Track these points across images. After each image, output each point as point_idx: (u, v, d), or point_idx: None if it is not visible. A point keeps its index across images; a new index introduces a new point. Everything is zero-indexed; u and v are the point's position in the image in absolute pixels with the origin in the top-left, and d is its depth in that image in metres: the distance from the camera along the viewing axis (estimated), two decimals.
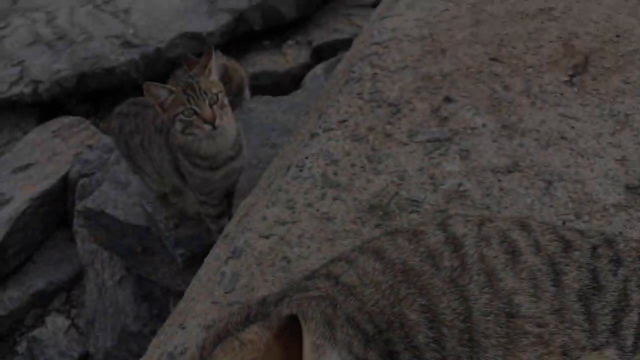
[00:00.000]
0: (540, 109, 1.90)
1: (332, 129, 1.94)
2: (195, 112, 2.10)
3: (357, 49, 2.41)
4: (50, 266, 4.41)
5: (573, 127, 1.82)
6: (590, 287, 1.12)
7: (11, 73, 5.23)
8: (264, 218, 1.72)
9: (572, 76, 1.98)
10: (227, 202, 2.79)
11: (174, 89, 2.12)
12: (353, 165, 1.82)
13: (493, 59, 2.09)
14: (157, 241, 3.37)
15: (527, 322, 1.09)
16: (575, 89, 1.93)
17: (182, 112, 2.10)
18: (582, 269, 1.14)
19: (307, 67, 5.19)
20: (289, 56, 5.45)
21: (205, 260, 1.90)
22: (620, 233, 1.47)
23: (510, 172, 1.73)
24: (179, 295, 3.53)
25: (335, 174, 1.81)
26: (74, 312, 4.32)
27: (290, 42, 5.58)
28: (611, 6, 2.21)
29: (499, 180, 1.71)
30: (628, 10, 2.19)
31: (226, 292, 1.54)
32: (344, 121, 1.96)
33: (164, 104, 2.14)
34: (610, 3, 2.23)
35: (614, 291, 1.11)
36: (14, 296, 4.25)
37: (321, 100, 2.28)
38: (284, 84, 5.20)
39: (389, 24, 2.29)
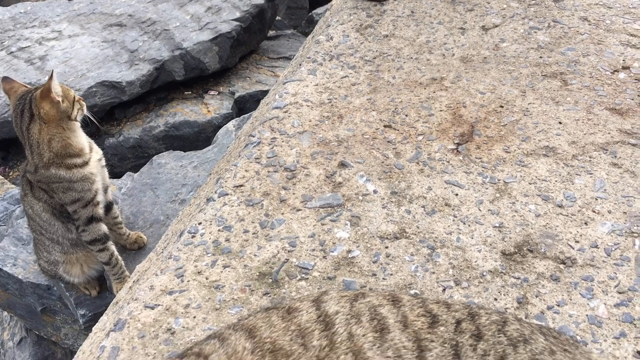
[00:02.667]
0: (428, 176, 1.98)
1: (227, 194, 1.95)
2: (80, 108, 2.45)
3: (260, 111, 2.45)
4: None
5: (457, 195, 1.91)
6: None
7: None
8: (152, 287, 1.69)
9: (458, 144, 2.08)
10: (111, 217, 2.86)
11: (66, 90, 2.40)
12: (246, 231, 1.83)
13: (387, 126, 2.17)
14: (58, 300, 3.23)
15: None
16: (461, 157, 2.03)
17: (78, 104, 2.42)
18: (445, 345, 1.18)
19: (229, 117, 5.23)
20: (211, 106, 5.47)
21: (93, 329, 1.83)
22: (483, 307, 1.53)
23: (397, 238, 1.78)
24: None
25: (227, 240, 1.81)
26: None
27: (212, 92, 5.61)
28: (496, 77, 2.36)
29: (386, 247, 1.76)
30: (511, 82, 2.34)
31: None
32: (240, 186, 1.97)
33: (58, 106, 2.37)
34: (495, 75, 2.38)
35: None
36: None
37: (222, 162, 2.29)
38: (205, 134, 5.20)
39: (291, 89, 2.35)
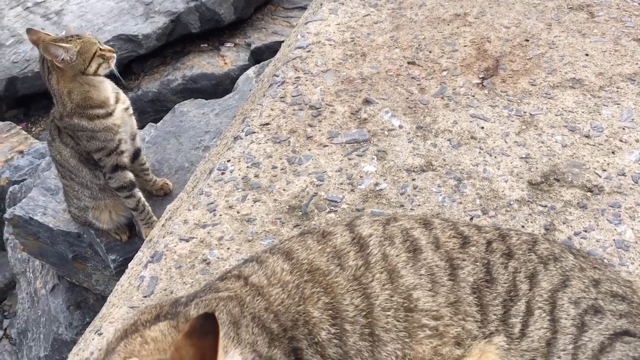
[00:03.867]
0: (453, 110, 1.98)
1: (254, 132, 1.97)
2: (102, 55, 2.43)
3: (283, 52, 2.45)
4: None
5: (483, 128, 1.91)
6: (483, 279, 1.19)
7: None
8: (185, 221, 1.73)
9: (483, 79, 2.07)
10: (138, 164, 2.90)
11: (74, 40, 2.38)
12: (274, 167, 1.86)
13: (411, 63, 2.17)
14: (89, 247, 3.31)
15: (424, 316, 1.15)
16: (486, 91, 2.02)
17: (101, 56, 2.42)
18: (477, 263, 1.21)
19: (246, 69, 5.20)
20: (227, 58, 5.45)
21: (129, 265, 1.89)
22: (513, 229, 1.56)
23: (423, 171, 1.80)
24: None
25: (256, 176, 1.84)
26: (5, 322, 4.19)
27: (228, 44, 5.58)
28: (521, 12, 2.33)
29: (413, 180, 1.78)
30: (537, 16, 2.31)
31: (144, 297, 1.55)
32: (266, 124, 1.99)
33: (71, 55, 2.37)
34: (520, 9, 2.34)
35: (505, 283, 1.18)
36: None
37: (246, 103, 2.31)
38: (222, 86, 5.19)
39: (313, 29, 2.34)
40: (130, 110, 2.74)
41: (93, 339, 1.50)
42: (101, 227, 3.06)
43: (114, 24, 5.30)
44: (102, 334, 1.49)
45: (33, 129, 5.44)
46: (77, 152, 2.72)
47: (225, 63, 5.48)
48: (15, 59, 5.13)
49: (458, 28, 2.28)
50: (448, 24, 2.31)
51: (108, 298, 1.79)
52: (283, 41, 5.60)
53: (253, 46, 5.58)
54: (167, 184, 3.08)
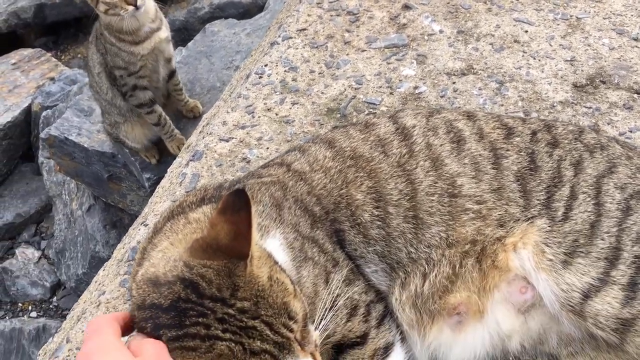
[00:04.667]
0: (496, 14, 1.93)
1: (291, 37, 1.94)
2: None
3: None
4: (17, 199, 4.39)
5: (526, 31, 1.86)
6: (527, 168, 1.18)
7: None
8: (224, 123, 1.74)
9: None
10: (172, 84, 2.93)
11: None
12: (312, 71, 1.84)
13: None
14: (123, 168, 3.37)
15: (467, 201, 1.16)
16: None
17: None
18: (521, 153, 1.20)
19: None
20: None
21: (169, 169, 1.92)
22: (559, 119, 1.53)
23: (464, 74, 1.77)
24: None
25: (294, 80, 1.82)
26: (43, 243, 4.33)
27: None
28: None
29: (454, 83, 1.75)
30: None
31: (187, 192, 1.57)
32: (303, 30, 1.96)
33: None
34: None
35: (549, 170, 1.18)
36: None
37: (282, 13, 2.27)
38: (249, 15, 5.10)
39: None
40: (169, 38, 2.74)
41: (139, 230, 1.54)
42: (131, 145, 3.10)
43: None
44: (147, 224, 1.53)
45: (62, 57, 5.44)
46: (105, 62, 2.74)
47: None
48: None
49: None
50: None
51: (150, 199, 1.83)
52: None
53: None
54: (197, 106, 3.10)
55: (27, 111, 4.49)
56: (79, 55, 5.52)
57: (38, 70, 4.88)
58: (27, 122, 4.53)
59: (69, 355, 1.27)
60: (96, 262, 3.68)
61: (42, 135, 3.51)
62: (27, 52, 4.99)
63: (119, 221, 3.74)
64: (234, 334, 0.82)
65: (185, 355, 0.81)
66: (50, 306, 4.13)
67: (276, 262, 0.94)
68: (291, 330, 0.87)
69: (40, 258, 4.29)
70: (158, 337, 0.83)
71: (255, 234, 0.88)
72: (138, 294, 0.89)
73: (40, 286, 4.10)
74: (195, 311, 0.83)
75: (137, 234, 1.54)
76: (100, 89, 2.84)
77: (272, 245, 1.04)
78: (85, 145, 3.36)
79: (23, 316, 4.07)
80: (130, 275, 1.13)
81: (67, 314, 4.15)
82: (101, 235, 3.67)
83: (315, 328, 0.96)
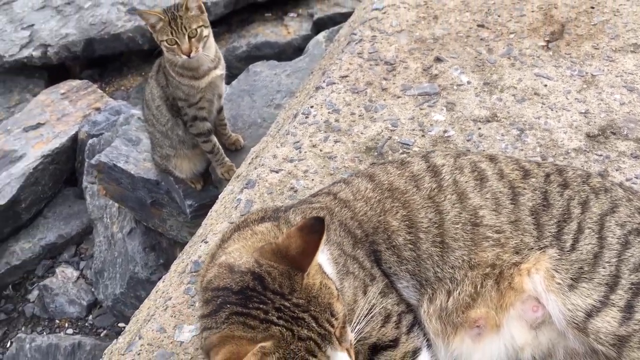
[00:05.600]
0: (518, 69, 2.15)
1: (334, 83, 2.19)
2: (176, 42, 2.60)
3: (358, 15, 2.64)
4: (60, 221, 4.64)
5: (546, 85, 2.08)
6: (541, 204, 1.39)
7: (21, 36, 5.40)
8: (275, 156, 1.97)
9: (548, 42, 2.23)
10: (218, 119, 3.18)
11: (162, 17, 2.61)
12: (352, 113, 2.08)
13: (480, 25, 2.34)
14: (166, 194, 3.61)
15: (488, 230, 1.36)
16: (551, 53, 2.18)
17: (167, 40, 2.61)
18: (535, 192, 1.41)
19: (308, 38, 5.39)
20: (291, 28, 5.62)
21: (220, 196, 2.15)
22: (570, 165, 1.73)
23: (489, 121, 1.99)
24: (184, 246, 3.80)
25: (336, 120, 2.06)
26: (82, 264, 4.56)
27: (292, 14, 5.75)
28: None
29: (479, 128, 1.97)
30: None
31: (242, 215, 1.79)
32: (345, 76, 2.21)
33: (154, 27, 2.65)
34: None
35: (559, 207, 1.38)
36: (25, 247, 4.49)
37: (324, 60, 2.53)
38: (285, 54, 5.39)
39: None
40: (223, 76, 3.00)
41: (200, 246, 1.76)
42: (179, 175, 3.35)
43: None
44: (207, 242, 1.75)
45: (107, 89, 5.76)
46: (165, 95, 3.00)
47: (289, 32, 5.66)
48: (92, 22, 5.44)
49: None
50: None
51: (203, 222, 2.05)
52: (345, 12, 5.77)
53: (316, 17, 5.73)
54: (239, 140, 3.35)
55: (74, 138, 4.78)
56: (122, 88, 5.84)
57: (85, 101, 5.19)
58: (73, 148, 4.82)
59: (140, 350, 1.49)
60: (134, 283, 3.90)
61: (92, 161, 3.78)
62: (75, 83, 5.32)
63: (157, 244, 3.97)
64: (286, 322, 1.05)
65: (244, 330, 1.04)
66: (86, 324, 4.34)
67: (325, 272, 1.16)
68: (332, 326, 1.08)
69: (78, 278, 4.52)
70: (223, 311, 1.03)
71: (318, 256, 1.10)
72: (212, 277, 1.11)
73: (77, 304, 4.31)
74: (258, 299, 1.05)
75: (197, 249, 1.76)
76: (157, 121, 3.10)
77: (321, 258, 1.25)
78: (132, 172, 3.62)
79: (60, 332, 4.28)
80: (199, 277, 1.35)
81: (102, 332, 4.33)
82: (140, 257, 3.90)
83: (352, 330, 1.17)
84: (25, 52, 5.30)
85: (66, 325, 4.30)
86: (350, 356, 1.11)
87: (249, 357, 0.98)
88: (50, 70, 5.65)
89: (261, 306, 1.05)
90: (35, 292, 4.38)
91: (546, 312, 1.30)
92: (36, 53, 5.28)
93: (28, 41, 5.39)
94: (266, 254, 1.11)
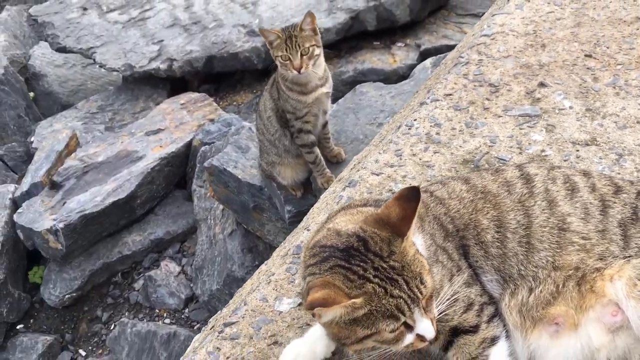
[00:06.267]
0: (623, 98, 2.19)
1: (438, 100, 2.32)
2: (289, 59, 2.88)
3: (466, 40, 2.77)
4: (168, 219, 5.04)
5: None
6: (630, 218, 1.45)
7: (151, 50, 5.94)
8: (376, 161, 2.13)
9: None
10: (323, 133, 3.40)
11: (280, 35, 2.93)
12: (453, 128, 2.20)
13: (588, 56, 2.39)
14: (267, 200, 3.86)
15: (574, 235, 1.44)
16: None
17: (281, 56, 2.92)
18: (625, 206, 1.47)
19: (413, 67, 5.54)
20: (397, 57, 5.81)
21: (322, 196, 2.33)
22: None
23: (587, 145, 2.04)
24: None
25: (437, 134, 2.19)
26: (184, 260, 4.91)
27: (399, 43, 5.94)
28: None
29: (577, 150, 2.03)
30: None
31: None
32: (449, 95, 2.34)
33: (272, 43, 2.96)
34: None
35: None
36: (136, 240, 4.90)
37: (430, 80, 2.67)
38: (389, 82, 5.56)
39: (498, 20, 2.64)
40: (329, 94, 3.24)
41: (303, 234, 1.93)
42: (282, 182, 3.58)
43: (300, 17, 5.88)
44: (309, 229, 1.93)
45: (220, 103, 6.19)
46: (276, 107, 3.27)
47: (395, 61, 5.84)
48: (215, 40, 5.89)
49: (638, 29, 2.47)
50: (628, 25, 2.50)
51: (305, 216, 2.23)
52: (452, 45, 5.88)
53: (422, 47, 5.87)
54: (341, 153, 3.54)
55: (188, 145, 5.19)
56: (234, 103, 6.24)
57: (201, 112, 5.62)
58: (187, 154, 5.23)
59: (245, 314, 1.67)
60: (230, 281, 4.16)
61: (205, 164, 4.11)
62: (194, 95, 5.78)
63: (254, 247, 4.22)
64: (381, 280, 1.20)
65: (344, 281, 1.20)
66: (182, 316, 4.65)
67: (418, 250, 1.30)
68: (421, 292, 1.22)
69: (179, 272, 4.86)
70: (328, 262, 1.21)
71: (414, 223, 1.24)
72: (320, 238, 1.29)
73: (176, 297, 4.64)
74: (360, 258, 1.21)
75: (300, 236, 1.94)
76: (267, 130, 3.36)
77: (416, 241, 1.39)
78: (239, 177, 3.91)
79: (158, 321, 4.62)
80: (304, 247, 1.52)
81: (195, 325, 4.61)
82: (238, 257, 4.17)
83: (436, 308, 1.29)
84: (153, 65, 5.82)
85: (164, 315, 4.63)
86: (433, 326, 1.23)
87: (339, 307, 1.14)
88: (173, 82, 6.18)
89: (361, 264, 1.20)
90: (141, 282, 4.77)
91: (625, 318, 1.35)
92: (163, 66, 5.79)
93: (157, 55, 5.92)
94: (370, 222, 1.27)
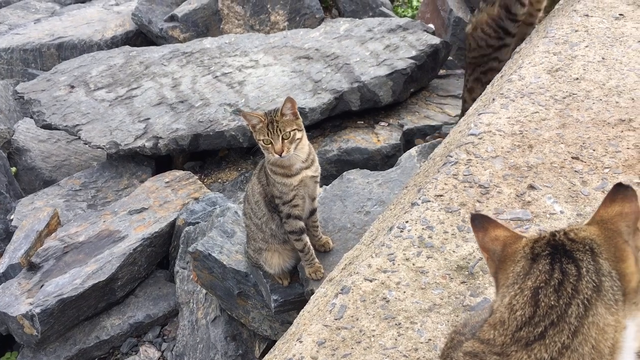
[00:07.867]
0: None
1: (429, 201, 2.32)
2: (271, 142, 2.93)
3: (454, 137, 2.81)
4: (149, 301, 4.91)
5: None
6: None
7: (137, 128, 5.97)
8: (369, 265, 2.10)
9: None
10: (311, 221, 3.38)
11: (262, 119, 2.96)
12: (445, 232, 2.19)
13: (575, 158, 2.43)
14: (253, 286, 3.78)
15: None
16: None
17: (263, 140, 2.96)
18: None
19: (396, 147, 5.63)
20: (381, 136, 5.91)
21: (312, 298, 2.28)
22: None
23: None
24: (264, 339, 3.92)
25: (430, 237, 2.17)
26: (164, 345, 4.75)
27: (382, 123, 6.06)
28: None
29: None
30: None
31: (336, 319, 1.91)
32: (440, 196, 2.34)
33: (255, 127, 2.99)
34: None
35: None
36: (115, 324, 4.75)
37: (419, 177, 2.68)
38: (373, 161, 5.64)
39: (485, 119, 2.69)
40: (317, 178, 3.24)
41: (294, 345, 1.87)
42: (268, 270, 3.52)
43: (286, 96, 6.00)
44: (302, 341, 1.86)
45: (205, 180, 6.18)
46: (264, 191, 3.25)
47: (378, 140, 5.94)
48: (201, 119, 5.95)
49: (622, 132, 2.52)
50: (612, 127, 2.55)
51: (294, 321, 2.17)
52: (434, 125, 5.98)
53: (405, 127, 6.00)
54: (328, 242, 3.51)
55: (172, 224, 5.13)
56: (219, 180, 6.24)
57: (185, 190, 5.59)
58: (170, 234, 5.16)
59: None
60: None
61: (189, 249, 4.04)
62: (178, 173, 5.76)
63: (238, 335, 4.10)
64: None
65: None
66: None
67: None
68: None
69: (159, 359, 4.68)
70: None
71: None
72: None
73: None
74: None
75: (291, 347, 1.87)
76: (254, 214, 3.34)
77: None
78: (224, 263, 3.84)
79: None
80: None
81: None
82: (222, 345, 4.04)
83: None
84: (139, 142, 5.83)
85: None
86: None
87: None
88: (157, 159, 6.17)
89: None
90: None
91: None
92: (148, 144, 5.80)
93: (143, 132, 5.94)
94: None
